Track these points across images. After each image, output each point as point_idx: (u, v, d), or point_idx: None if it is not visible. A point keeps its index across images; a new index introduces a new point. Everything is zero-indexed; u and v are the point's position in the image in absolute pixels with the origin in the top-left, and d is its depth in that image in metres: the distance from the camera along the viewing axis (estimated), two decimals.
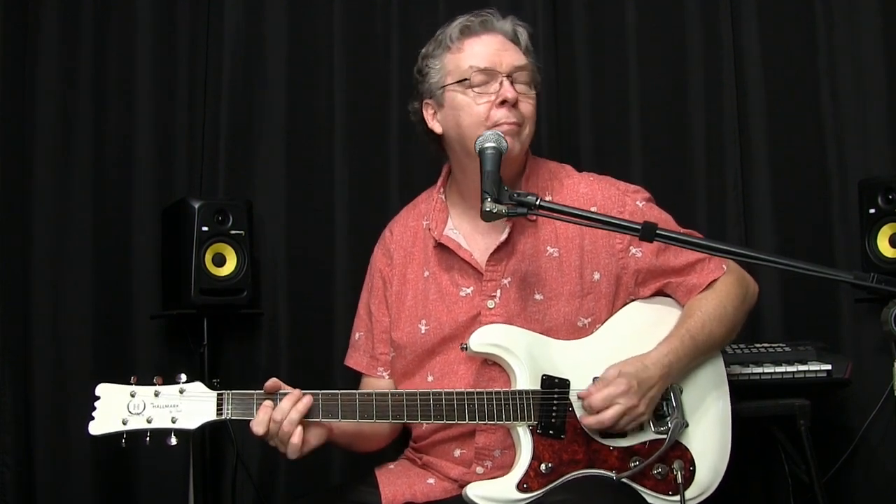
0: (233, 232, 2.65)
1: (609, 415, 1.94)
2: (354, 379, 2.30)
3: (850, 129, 2.93)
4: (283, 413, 1.87)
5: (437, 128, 2.16)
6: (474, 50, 2.10)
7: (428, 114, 2.18)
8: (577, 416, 1.98)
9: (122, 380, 1.88)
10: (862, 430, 2.79)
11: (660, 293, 2.16)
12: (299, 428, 1.88)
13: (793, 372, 2.52)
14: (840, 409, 2.81)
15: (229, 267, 2.65)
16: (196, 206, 2.61)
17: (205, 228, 2.61)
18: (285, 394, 1.90)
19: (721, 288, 2.12)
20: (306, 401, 1.89)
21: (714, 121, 3.00)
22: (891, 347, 2.68)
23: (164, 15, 2.91)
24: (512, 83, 2.06)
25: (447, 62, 2.12)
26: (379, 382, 2.22)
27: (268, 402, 1.89)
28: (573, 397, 1.99)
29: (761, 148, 2.98)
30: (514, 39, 2.14)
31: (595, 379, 2.00)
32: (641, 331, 2.08)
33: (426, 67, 2.17)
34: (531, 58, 2.16)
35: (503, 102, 2.04)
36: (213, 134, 2.91)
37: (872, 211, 2.69)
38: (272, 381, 1.90)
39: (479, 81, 2.07)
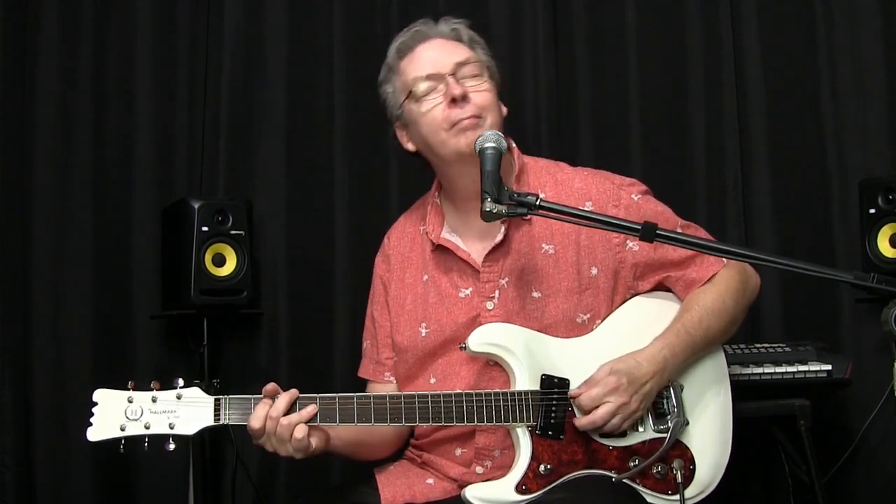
0: (233, 232, 2.65)
1: (599, 414, 1.93)
2: (361, 385, 2.29)
3: (850, 129, 2.93)
4: (278, 410, 1.87)
5: (410, 147, 2.18)
6: (413, 63, 2.12)
7: (401, 136, 2.19)
8: (577, 415, 1.98)
9: (122, 380, 1.88)
10: (862, 430, 2.79)
11: (661, 287, 2.16)
12: (302, 425, 1.87)
13: (793, 372, 2.51)
14: (840, 409, 2.81)
15: (229, 267, 2.65)
16: (196, 206, 2.62)
17: (205, 228, 2.61)
18: None
19: (720, 281, 2.12)
20: (310, 409, 1.88)
21: (714, 121, 3.00)
22: (891, 347, 2.68)
23: (164, 15, 2.92)
24: (458, 79, 2.06)
25: (397, 84, 2.15)
26: (385, 388, 2.20)
27: (267, 400, 1.89)
28: None
29: (761, 148, 2.97)
30: (456, 37, 2.14)
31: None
32: (642, 326, 2.07)
33: (384, 94, 2.19)
34: (479, 49, 2.15)
35: (453, 101, 2.04)
36: (213, 134, 2.91)
37: (872, 211, 2.69)
38: (271, 386, 1.90)
39: (425, 89, 2.08)
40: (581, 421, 1.95)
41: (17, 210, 2.74)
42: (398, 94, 2.15)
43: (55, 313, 2.75)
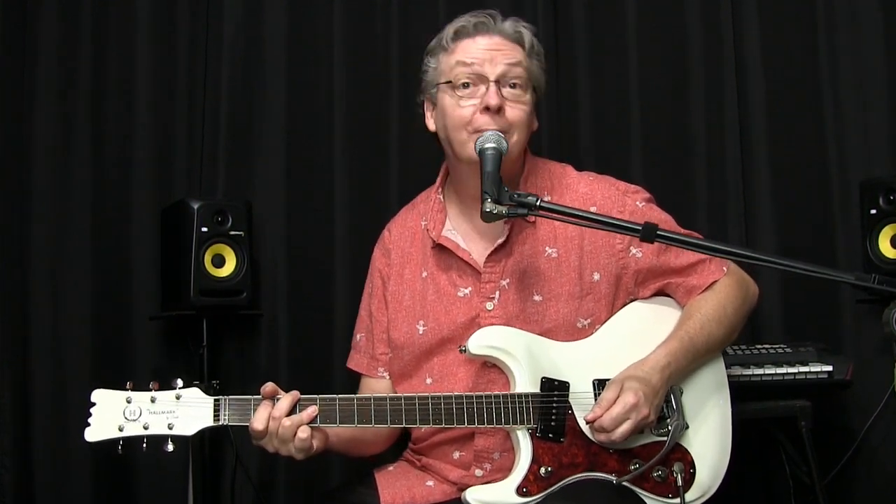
0: (232, 232, 2.65)
1: (620, 432, 1.91)
2: (354, 380, 2.29)
3: (850, 129, 2.92)
4: (281, 411, 1.86)
5: (431, 125, 2.16)
6: (465, 52, 2.06)
7: (427, 110, 2.17)
8: (577, 418, 1.98)
9: (122, 381, 1.87)
10: (863, 431, 2.78)
11: (660, 293, 2.16)
12: (305, 426, 1.87)
13: (794, 373, 2.51)
14: (841, 410, 2.81)
15: (229, 268, 2.65)
16: (195, 206, 2.61)
17: (204, 229, 2.60)
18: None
19: (721, 289, 2.11)
20: (310, 411, 1.88)
21: (714, 121, 2.99)
22: (892, 348, 2.67)
23: (164, 15, 2.91)
24: (500, 87, 2.02)
25: (441, 62, 2.10)
26: (379, 384, 2.21)
27: (267, 402, 1.88)
28: (573, 400, 1.98)
29: (761, 148, 2.97)
30: (517, 40, 2.09)
31: (596, 382, 2.00)
32: (641, 331, 2.07)
33: (425, 65, 2.15)
34: (535, 60, 2.11)
35: (486, 108, 2.01)
36: (213, 134, 2.91)
37: (873, 211, 2.69)
38: (270, 386, 1.89)
39: (465, 84, 2.04)
40: (600, 437, 1.94)
41: (17, 210, 2.74)
42: (439, 73, 2.10)
43: (54, 314, 2.75)
